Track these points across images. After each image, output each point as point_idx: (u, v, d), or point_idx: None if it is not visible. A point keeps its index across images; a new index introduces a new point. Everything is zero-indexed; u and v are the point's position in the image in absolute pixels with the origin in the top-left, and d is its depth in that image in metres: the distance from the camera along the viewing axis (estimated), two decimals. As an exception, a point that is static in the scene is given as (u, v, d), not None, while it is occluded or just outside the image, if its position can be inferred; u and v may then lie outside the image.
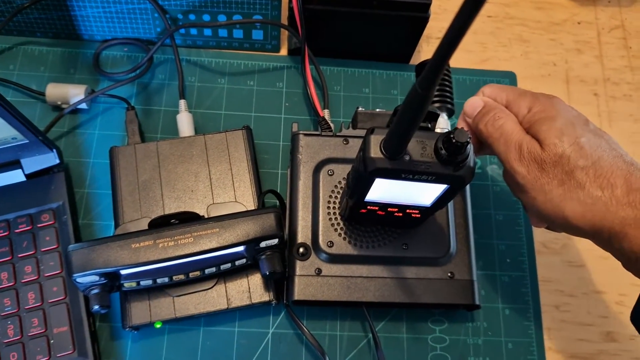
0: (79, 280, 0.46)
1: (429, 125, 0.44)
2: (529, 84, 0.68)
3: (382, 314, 0.56)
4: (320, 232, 0.53)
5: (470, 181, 0.40)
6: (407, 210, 0.48)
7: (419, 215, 0.49)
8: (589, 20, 0.73)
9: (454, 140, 0.37)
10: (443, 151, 0.38)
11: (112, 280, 0.47)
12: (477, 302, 0.53)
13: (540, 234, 0.61)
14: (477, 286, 0.54)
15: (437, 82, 0.31)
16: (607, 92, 0.69)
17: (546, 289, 0.59)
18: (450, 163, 0.39)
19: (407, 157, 0.39)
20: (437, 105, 0.55)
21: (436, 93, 0.55)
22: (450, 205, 0.56)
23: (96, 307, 0.47)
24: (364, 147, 0.40)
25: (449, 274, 0.53)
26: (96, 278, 0.46)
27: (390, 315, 0.56)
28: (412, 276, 0.53)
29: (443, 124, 0.56)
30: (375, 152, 0.39)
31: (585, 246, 0.61)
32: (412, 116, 0.34)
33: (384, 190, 0.43)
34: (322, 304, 0.53)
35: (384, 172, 0.39)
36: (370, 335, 0.55)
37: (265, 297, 0.52)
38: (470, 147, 0.39)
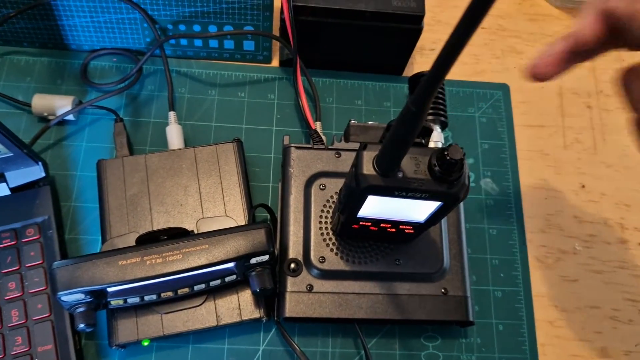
0: (63, 298, 0.44)
1: (423, 141, 0.43)
2: (522, 96, 0.68)
3: (374, 331, 0.55)
4: (312, 248, 0.52)
5: (464, 199, 0.39)
6: (401, 226, 0.47)
7: (413, 231, 0.48)
8: (582, 32, 0.73)
9: (448, 157, 0.36)
10: (437, 168, 0.37)
11: (99, 298, 0.46)
12: (471, 319, 0.52)
13: (534, 249, 0.61)
14: (471, 302, 0.53)
15: (430, 100, 0.30)
16: (600, 105, 0.69)
17: (540, 304, 0.58)
18: (444, 180, 0.38)
19: (400, 174, 0.38)
20: (430, 118, 0.55)
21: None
22: (443, 220, 0.55)
23: (82, 325, 0.45)
24: (357, 164, 0.39)
25: (443, 290, 0.53)
26: (82, 296, 0.45)
27: (382, 331, 0.55)
28: (405, 292, 0.52)
29: (436, 137, 0.55)
30: (367, 168, 0.38)
31: (579, 260, 0.61)
32: (406, 134, 0.33)
33: (377, 207, 0.42)
34: (314, 320, 0.52)
35: (377, 190, 0.39)
36: (363, 352, 0.54)
37: (256, 314, 0.51)
38: (465, 164, 0.38)
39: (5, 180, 0.53)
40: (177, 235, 0.48)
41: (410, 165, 0.38)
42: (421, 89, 0.29)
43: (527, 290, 0.59)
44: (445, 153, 0.36)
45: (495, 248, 0.60)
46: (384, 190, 0.38)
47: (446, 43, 0.25)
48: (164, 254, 0.45)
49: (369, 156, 0.39)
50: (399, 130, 0.34)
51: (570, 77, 0.69)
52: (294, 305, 0.51)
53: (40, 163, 0.54)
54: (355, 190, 0.39)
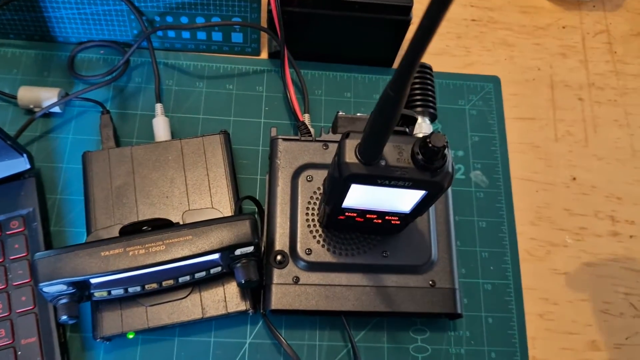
0: (45, 289, 0.44)
1: (407, 130, 0.43)
2: (514, 88, 0.68)
3: (362, 323, 0.55)
4: (299, 240, 0.52)
5: (449, 187, 0.39)
6: (386, 217, 0.47)
7: (399, 222, 0.48)
8: (574, 25, 0.72)
9: (430, 145, 0.36)
10: (420, 156, 0.37)
11: (82, 289, 0.46)
12: (460, 311, 0.52)
13: (524, 242, 0.60)
14: (459, 294, 0.52)
15: (409, 84, 0.30)
16: (592, 97, 0.68)
17: (530, 297, 0.58)
18: (427, 169, 0.37)
19: (383, 163, 0.37)
20: (419, 109, 0.54)
21: (418, 97, 0.54)
22: (431, 211, 0.54)
23: (64, 317, 0.45)
24: (339, 152, 0.39)
25: (431, 282, 0.52)
26: (64, 287, 0.44)
27: (370, 324, 0.55)
28: (392, 284, 0.52)
29: (425, 128, 0.55)
30: (350, 157, 0.38)
31: (570, 253, 0.60)
32: (385, 120, 0.33)
33: (361, 197, 0.42)
34: (301, 313, 0.51)
35: (360, 178, 0.38)
36: (350, 345, 0.53)
37: (242, 306, 0.51)
38: (449, 152, 0.38)
39: (-11, 172, 0.53)
40: (161, 226, 0.47)
41: (393, 153, 0.38)
42: (399, 73, 0.29)
43: (517, 283, 0.58)
44: (428, 140, 0.36)
45: (484, 241, 0.59)
46: (367, 178, 0.38)
47: (420, 23, 0.25)
48: (147, 245, 0.45)
49: (351, 144, 0.38)
50: (379, 117, 0.33)
51: (561, 69, 0.69)
52: (280, 297, 0.50)
53: (25, 155, 0.53)
54: (338, 180, 0.39)
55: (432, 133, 0.36)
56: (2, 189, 0.53)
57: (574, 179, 0.64)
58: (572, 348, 0.57)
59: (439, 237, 0.54)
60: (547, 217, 0.62)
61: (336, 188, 0.41)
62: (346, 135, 0.39)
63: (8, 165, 0.53)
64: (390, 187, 0.39)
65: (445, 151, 0.37)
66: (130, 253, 0.45)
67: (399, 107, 0.31)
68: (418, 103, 0.54)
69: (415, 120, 0.42)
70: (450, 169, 0.38)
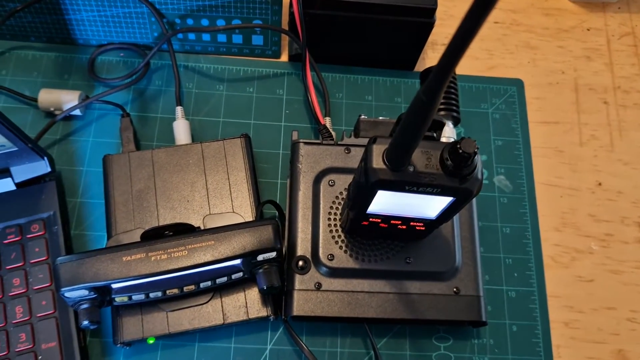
0: (67, 294, 0.44)
1: (434, 135, 0.42)
2: (537, 91, 0.66)
3: (384, 330, 0.54)
4: (321, 245, 0.51)
5: (478, 193, 0.38)
6: (411, 223, 0.46)
7: (424, 228, 0.47)
8: (599, 27, 0.71)
9: (460, 151, 0.35)
10: (449, 162, 0.36)
11: (103, 294, 0.45)
12: (484, 319, 0.51)
13: (548, 248, 0.59)
14: (483, 302, 0.51)
15: (442, 90, 0.29)
16: (618, 101, 0.67)
17: (555, 304, 0.57)
18: (456, 175, 0.37)
19: (411, 168, 0.37)
20: (442, 113, 0.54)
21: (442, 101, 0.53)
22: (456, 218, 0.54)
23: (85, 322, 0.45)
24: (366, 157, 0.38)
25: (455, 289, 0.51)
26: (85, 292, 0.44)
27: (393, 331, 0.54)
28: (415, 291, 0.51)
29: (449, 132, 0.54)
30: (377, 162, 0.37)
31: (595, 260, 0.59)
32: (417, 126, 0.32)
33: (387, 202, 0.41)
34: (322, 319, 0.51)
35: (387, 184, 0.37)
36: (372, 352, 0.53)
37: (263, 312, 0.50)
38: (478, 158, 0.37)
39: (10, 175, 0.53)
40: (182, 231, 0.47)
41: (422, 159, 0.37)
42: (433, 78, 0.28)
43: (541, 290, 0.57)
44: (458, 146, 0.35)
45: (508, 247, 0.58)
46: (394, 185, 0.37)
47: (459, 27, 0.24)
48: (169, 250, 0.44)
49: (378, 150, 0.37)
50: (410, 122, 0.32)
51: (586, 73, 0.68)
52: (302, 303, 0.49)
53: (45, 158, 0.53)
54: (364, 185, 0.38)
55: (462, 139, 0.35)
56: (23, 192, 0.53)
57: (600, 184, 0.62)
58: (598, 357, 0.55)
59: (463, 244, 0.53)
60: (572, 223, 0.60)
61: (361, 194, 0.40)
62: (373, 141, 0.38)
63: (29, 168, 0.53)
64: (418, 193, 0.38)
65: (475, 157, 0.36)
66: (153, 258, 0.44)
67: (432, 113, 0.31)
68: (441, 107, 0.53)
69: (443, 125, 0.41)
70: (479, 176, 0.37)
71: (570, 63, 0.69)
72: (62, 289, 0.43)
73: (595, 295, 0.58)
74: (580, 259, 0.59)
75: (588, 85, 0.68)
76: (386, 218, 0.45)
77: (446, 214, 0.43)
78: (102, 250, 0.45)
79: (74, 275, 0.43)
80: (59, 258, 0.44)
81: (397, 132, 0.34)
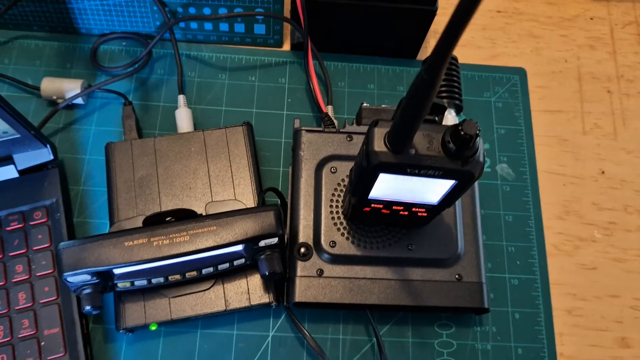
0: (69, 279, 0.44)
1: (436, 119, 0.42)
2: (540, 80, 0.66)
3: (386, 318, 0.54)
4: (323, 232, 0.51)
5: (480, 177, 0.38)
6: (413, 209, 0.46)
7: (426, 214, 0.47)
8: (602, 16, 0.71)
9: (462, 133, 0.35)
10: (451, 145, 0.36)
11: (105, 279, 0.45)
12: (487, 306, 0.51)
13: (551, 236, 0.59)
14: (486, 289, 0.51)
15: (444, 67, 0.29)
16: (621, 90, 0.67)
17: (558, 292, 0.57)
18: (458, 157, 0.36)
19: (412, 151, 0.37)
20: (445, 101, 0.53)
21: (444, 89, 0.53)
22: (458, 204, 0.53)
23: (88, 307, 0.45)
24: (367, 141, 0.38)
25: (457, 276, 0.51)
26: (88, 277, 0.44)
27: (395, 318, 0.54)
28: (418, 278, 0.51)
29: (451, 120, 0.54)
30: (379, 145, 0.37)
31: (598, 248, 0.59)
32: (419, 105, 0.32)
33: (389, 187, 0.41)
34: (324, 306, 0.51)
35: (389, 167, 0.37)
36: (374, 339, 0.53)
37: (265, 298, 0.50)
38: (480, 141, 0.37)
39: (13, 163, 0.53)
40: (184, 217, 0.47)
41: (423, 142, 0.37)
42: (435, 55, 0.28)
43: (544, 278, 0.57)
44: (460, 128, 0.35)
45: (511, 235, 0.58)
46: (396, 167, 0.37)
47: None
48: (171, 235, 0.44)
49: (380, 133, 0.37)
50: (412, 102, 0.32)
51: (589, 61, 0.68)
52: (304, 290, 0.49)
53: (48, 145, 0.53)
54: (366, 169, 0.38)
55: (464, 120, 0.35)
56: (25, 180, 0.53)
57: (603, 172, 0.62)
58: (601, 345, 0.55)
59: (465, 230, 0.53)
60: (575, 211, 0.60)
61: (363, 178, 0.40)
62: (375, 124, 0.38)
63: (31, 155, 0.53)
64: (420, 176, 0.38)
65: (477, 139, 0.36)
66: (155, 243, 0.44)
67: (433, 92, 0.30)
68: (444, 95, 0.53)
69: (445, 108, 0.41)
70: (481, 158, 0.37)
71: (573, 52, 0.68)
72: (65, 274, 0.43)
73: (599, 283, 0.58)
74: (583, 247, 0.59)
75: (591, 74, 0.67)
76: (388, 204, 0.45)
77: (448, 199, 0.43)
78: (104, 235, 0.45)
79: (77, 260, 0.43)
80: (62, 243, 0.44)
81: (399, 113, 0.34)
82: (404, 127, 0.35)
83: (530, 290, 0.56)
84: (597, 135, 0.64)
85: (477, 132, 0.35)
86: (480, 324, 0.55)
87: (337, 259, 0.50)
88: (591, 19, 0.71)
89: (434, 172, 0.37)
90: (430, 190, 0.42)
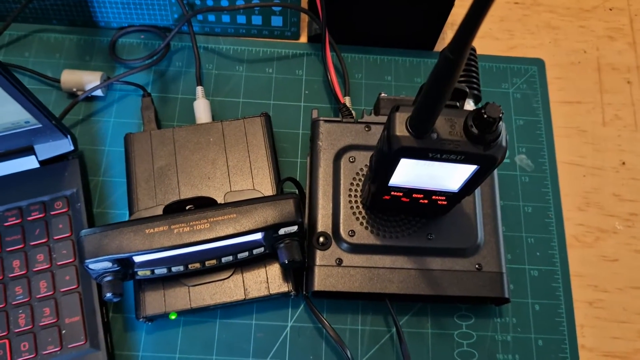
0: (91, 266, 0.44)
1: (457, 104, 0.42)
2: (559, 71, 0.66)
3: (405, 308, 0.54)
4: (341, 221, 0.51)
5: (502, 161, 0.38)
6: (433, 197, 0.45)
7: (446, 202, 0.46)
8: (621, 7, 0.70)
9: (485, 116, 0.35)
10: (473, 129, 0.36)
11: (126, 267, 0.46)
12: (507, 295, 0.50)
13: (571, 227, 0.58)
14: (506, 279, 0.51)
15: (469, 46, 0.29)
16: (641, 81, 0.66)
17: (579, 284, 0.56)
18: (480, 141, 0.36)
19: (434, 136, 0.36)
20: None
21: (463, 79, 0.53)
22: (477, 194, 0.53)
23: (109, 294, 0.45)
24: (388, 125, 0.38)
25: (477, 266, 0.51)
26: (109, 264, 0.44)
27: (414, 309, 0.54)
28: (437, 267, 0.50)
29: (470, 110, 0.54)
30: (400, 130, 0.37)
31: (619, 240, 0.58)
32: (442, 86, 0.32)
33: (409, 173, 0.41)
34: (343, 295, 0.51)
35: (410, 152, 0.37)
36: (393, 329, 0.52)
37: (284, 287, 0.50)
38: (503, 125, 0.36)
39: (34, 153, 0.53)
40: (204, 204, 0.47)
41: (445, 126, 0.37)
42: (460, 32, 0.28)
43: (564, 269, 0.56)
44: (483, 112, 0.35)
45: (530, 226, 0.58)
46: (418, 152, 0.37)
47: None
48: (191, 223, 0.45)
49: (401, 117, 0.37)
50: (435, 83, 0.32)
51: (608, 52, 0.67)
52: (323, 279, 0.49)
53: (69, 136, 0.53)
54: (387, 154, 0.38)
55: (487, 104, 0.35)
56: (46, 170, 0.54)
57: (624, 163, 0.61)
58: (623, 337, 0.55)
59: (485, 220, 0.52)
60: (596, 203, 0.60)
61: (384, 164, 0.40)
62: (396, 109, 0.38)
63: (52, 146, 0.54)
64: (441, 161, 0.38)
65: (500, 123, 0.36)
66: (175, 231, 0.44)
67: (457, 72, 0.30)
68: (463, 82, 0.53)
69: (466, 93, 0.41)
70: (504, 143, 0.37)
71: (592, 43, 0.68)
72: (86, 261, 0.43)
73: (620, 275, 0.57)
74: (604, 239, 0.58)
75: (611, 65, 0.67)
76: (408, 191, 0.45)
77: (468, 186, 0.42)
78: (125, 222, 0.45)
79: (98, 247, 0.43)
80: (83, 230, 0.44)
81: (422, 95, 0.34)
82: (426, 110, 0.35)
83: (550, 282, 0.56)
84: (617, 127, 0.63)
85: (500, 115, 0.35)
86: (500, 315, 0.54)
87: (356, 249, 0.50)
88: (610, 9, 0.70)
89: (456, 157, 0.37)
90: (451, 176, 0.41)
